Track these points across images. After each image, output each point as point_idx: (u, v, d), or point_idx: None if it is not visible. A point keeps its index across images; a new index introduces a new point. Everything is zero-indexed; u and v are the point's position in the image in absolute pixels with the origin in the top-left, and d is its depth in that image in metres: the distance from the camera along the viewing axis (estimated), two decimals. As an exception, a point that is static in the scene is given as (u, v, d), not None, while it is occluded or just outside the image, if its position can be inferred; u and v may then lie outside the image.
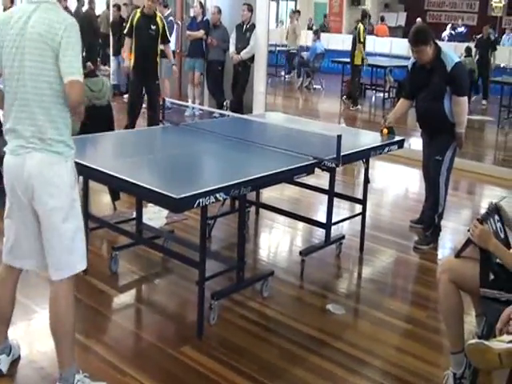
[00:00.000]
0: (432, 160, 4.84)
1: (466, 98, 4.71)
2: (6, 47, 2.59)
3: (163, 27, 7.42)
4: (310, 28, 17.26)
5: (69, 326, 2.74)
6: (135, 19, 7.37)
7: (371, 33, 15.38)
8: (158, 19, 7.36)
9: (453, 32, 15.75)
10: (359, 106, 11.52)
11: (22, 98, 2.58)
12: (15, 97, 2.60)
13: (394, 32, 17.62)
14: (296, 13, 15.67)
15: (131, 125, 7.32)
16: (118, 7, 11.41)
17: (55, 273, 2.68)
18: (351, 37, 11.63)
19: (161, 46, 7.53)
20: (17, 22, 2.58)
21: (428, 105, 4.77)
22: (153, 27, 7.31)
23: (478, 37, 12.85)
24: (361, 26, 11.20)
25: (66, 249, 2.66)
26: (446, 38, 15.43)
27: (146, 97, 7.66)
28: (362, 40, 11.15)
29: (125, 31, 7.59)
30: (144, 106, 7.78)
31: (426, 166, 5.06)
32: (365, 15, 11.52)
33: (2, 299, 2.91)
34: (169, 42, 7.71)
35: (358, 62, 11.26)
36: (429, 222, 4.95)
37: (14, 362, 3.04)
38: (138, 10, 7.42)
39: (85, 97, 4.73)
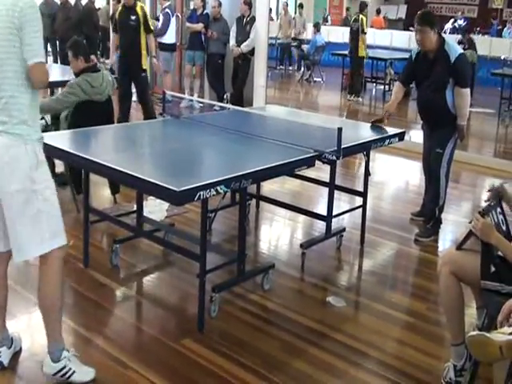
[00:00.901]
0: (433, 153, 4.83)
1: (468, 90, 4.68)
2: None
3: (144, 16, 7.29)
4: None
5: (54, 302, 2.82)
6: (117, 13, 7.39)
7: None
8: (137, 9, 7.26)
9: (456, 25, 15.70)
10: (360, 98, 11.51)
11: None
12: None
13: (394, 25, 17.59)
14: (298, 7, 15.60)
15: (123, 118, 7.27)
16: (117, 0, 11.35)
17: (17, 254, 2.71)
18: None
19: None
20: None
21: (430, 96, 4.76)
22: (133, 17, 7.24)
23: None
24: (363, 17, 11.17)
25: (27, 231, 2.65)
26: (448, 30, 15.38)
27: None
28: (365, 31, 11.15)
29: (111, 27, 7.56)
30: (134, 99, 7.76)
31: (426, 158, 5.05)
32: (364, 6, 11.48)
33: None
34: (150, 31, 7.48)
35: (362, 53, 11.26)
36: (429, 215, 4.95)
37: (16, 355, 3.05)
38: (121, 4, 7.40)
39: (85, 93, 4.78)
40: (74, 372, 2.86)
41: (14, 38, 2.52)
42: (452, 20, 16.22)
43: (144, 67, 7.44)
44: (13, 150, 2.59)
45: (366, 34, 11.22)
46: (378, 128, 4.78)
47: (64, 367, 2.84)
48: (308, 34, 15.10)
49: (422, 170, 5.27)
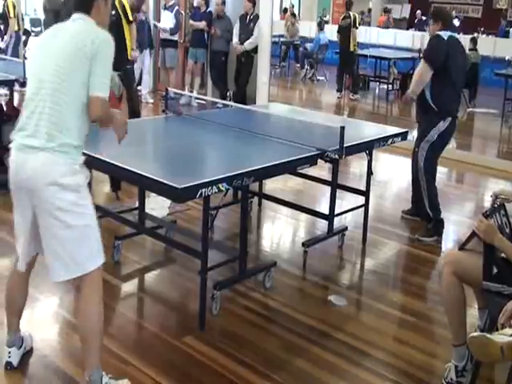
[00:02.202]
0: (415, 151, 4.89)
1: (426, 65, 4.61)
2: None
3: (123, 9, 7.25)
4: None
5: (94, 327, 2.68)
6: None
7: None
8: (116, 2, 7.23)
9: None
10: (358, 95, 11.49)
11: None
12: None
13: (398, 24, 17.55)
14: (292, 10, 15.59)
15: None
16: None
17: (54, 274, 2.65)
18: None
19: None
20: None
21: None
22: (113, 12, 7.20)
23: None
24: (354, 13, 11.44)
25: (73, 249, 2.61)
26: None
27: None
28: (357, 26, 11.37)
29: None
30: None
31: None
32: (351, 4, 11.65)
33: (15, 292, 2.91)
34: (129, 22, 7.39)
35: (353, 48, 11.37)
36: (426, 215, 4.94)
37: (26, 356, 3.02)
38: None
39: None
40: None
41: (82, 63, 2.58)
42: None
43: (130, 58, 7.38)
44: (61, 168, 2.55)
45: (357, 28, 11.45)
46: None
47: None
48: (311, 32, 15.10)
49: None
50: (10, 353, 2.92)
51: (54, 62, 2.59)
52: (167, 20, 9.85)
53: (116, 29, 7.21)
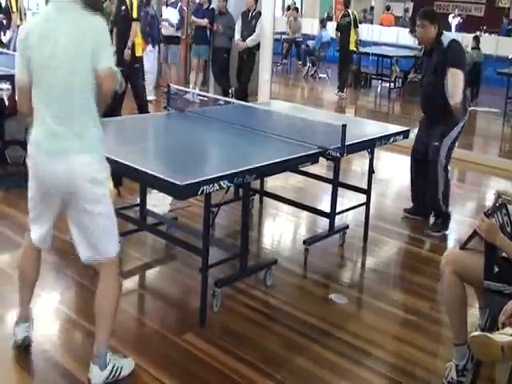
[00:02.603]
0: (430, 146, 4.88)
1: (460, 72, 4.73)
2: None
3: (131, 5, 7.26)
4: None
5: (109, 307, 2.81)
6: (114, 5, 7.38)
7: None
8: None
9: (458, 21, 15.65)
10: (344, 93, 11.45)
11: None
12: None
13: (400, 22, 17.51)
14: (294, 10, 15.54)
15: (114, 112, 7.16)
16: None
17: (93, 253, 2.75)
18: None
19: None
20: None
21: (430, 87, 4.88)
22: (122, 8, 7.22)
23: None
24: (353, 11, 11.42)
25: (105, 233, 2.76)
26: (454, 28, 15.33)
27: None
28: (358, 25, 11.29)
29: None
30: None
31: (418, 150, 5.11)
32: (349, 1, 11.59)
33: (29, 267, 3.00)
34: (134, 19, 7.29)
35: (353, 47, 11.33)
36: (437, 210, 4.99)
37: (27, 350, 3.04)
38: None
39: None
40: (122, 368, 2.86)
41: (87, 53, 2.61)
42: (452, 16, 16.19)
43: (138, 55, 7.36)
44: (95, 166, 2.67)
45: (358, 27, 11.37)
46: None
47: (112, 368, 2.82)
48: (312, 29, 15.08)
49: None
50: (27, 327, 3.04)
51: (63, 58, 2.59)
52: (171, 16, 9.86)
53: (125, 24, 7.25)
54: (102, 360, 2.79)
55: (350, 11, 11.37)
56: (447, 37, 4.86)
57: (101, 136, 2.72)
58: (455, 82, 4.74)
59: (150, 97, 9.34)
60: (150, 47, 9.54)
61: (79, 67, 2.59)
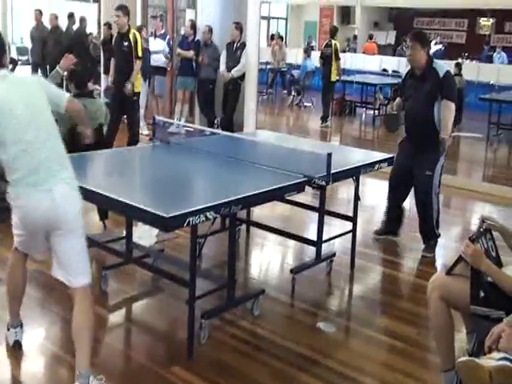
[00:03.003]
0: (422, 176, 4.91)
1: (454, 105, 4.83)
2: None
3: (135, 42, 7.43)
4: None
5: (90, 330, 2.95)
6: (113, 39, 7.56)
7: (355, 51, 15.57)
8: (130, 35, 7.41)
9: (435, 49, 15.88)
10: (328, 123, 11.50)
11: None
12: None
13: (383, 50, 17.75)
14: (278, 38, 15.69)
15: (108, 144, 7.22)
16: (108, 25, 11.44)
17: (74, 280, 2.93)
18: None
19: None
20: None
21: (419, 112, 4.91)
22: (125, 44, 7.38)
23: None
24: (335, 42, 11.30)
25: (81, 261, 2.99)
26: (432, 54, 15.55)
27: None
28: (339, 57, 11.26)
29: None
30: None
31: (399, 174, 5.17)
32: (335, 31, 11.62)
33: (17, 278, 3.24)
34: (138, 58, 7.53)
35: (334, 78, 11.31)
36: (430, 234, 5.08)
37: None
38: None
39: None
40: None
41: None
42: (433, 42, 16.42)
43: (136, 90, 7.52)
44: (78, 197, 2.94)
45: (339, 59, 11.27)
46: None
47: None
48: (296, 58, 15.22)
49: (411, 195, 5.27)
50: (16, 332, 3.30)
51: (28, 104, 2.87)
52: (159, 48, 9.99)
53: (126, 60, 7.40)
54: (85, 380, 2.84)
55: (333, 42, 11.37)
56: (441, 65, 4.90)
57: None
58: (449, 114, 4.81)
59: (145, 131, 9.38)
60: (141, 81, 9.62)
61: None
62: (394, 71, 13.35)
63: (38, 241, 3.02)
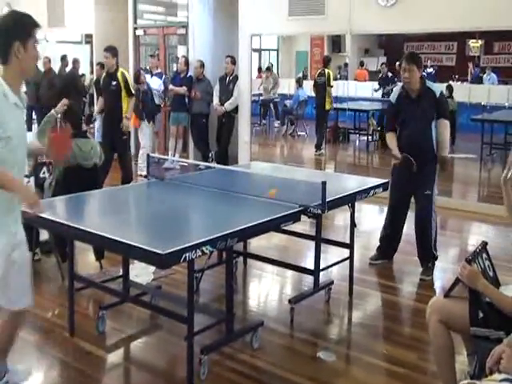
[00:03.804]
0: (422, 195, 4.98)
1: (447, 122, 4.97)
2: None
3: (125, 82, 7.50)
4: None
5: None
6: (101, 79, 7.65)
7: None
8: (118, 75, 7.49)
9: (424, 74, 16.03)
10: (323, 151, 11.54)
11: None
12: None
13: (375, 76, 17.89)
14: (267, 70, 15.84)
15: (97, 184, 7.21)
16: (101, 65, 11.56)
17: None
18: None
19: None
20: None
21: (419, 132, 4.96)
22: (113, 83, 7.47)
23: (380, 75, 13.23)
24: (329, 71, 11.42)
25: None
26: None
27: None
28: (331, 85, 11.36)
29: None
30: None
31: (401, 203, 5.20)
32: (329, 61, 11.75)
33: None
34: (131, 95, 7.63)
35: (328, 107, 11.40)
36: (429, 255, 5.10)
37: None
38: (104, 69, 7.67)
39: (73, 155, 4.82)
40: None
41: None
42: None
43: (127, 130, 7.59)
44: None
45: (332, 87, 11.40)
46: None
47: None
48: (288, 89, 15.34)
49: (408, 218, 5.28)
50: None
51: None
52: (156, 86, 10.07)
53: (115, 99, 7.48)
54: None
55: (326, 71, 11.41)
56: (433, 85, 5.03)
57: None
58: (447, 133, 4.96)
59: (144, 172, 9.40)
60: (145, 123, 9.69)
61: None
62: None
63: None
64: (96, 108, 8.29)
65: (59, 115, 5.11)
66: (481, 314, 2.85)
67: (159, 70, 10.43)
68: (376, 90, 13.63)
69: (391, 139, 5.15)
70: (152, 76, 10.35)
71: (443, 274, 5.20)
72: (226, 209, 4.02)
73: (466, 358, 3.31)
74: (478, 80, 15.71)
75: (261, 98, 14.69)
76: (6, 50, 2.74)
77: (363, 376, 3.56)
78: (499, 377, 2.40)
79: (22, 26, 2.76)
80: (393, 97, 5.19)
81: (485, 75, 15.53)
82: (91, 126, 12.79)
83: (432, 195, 4.96)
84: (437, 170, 5.02)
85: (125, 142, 7.65)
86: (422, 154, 4.93)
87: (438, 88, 5.02)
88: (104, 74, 7.73)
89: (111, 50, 7.51)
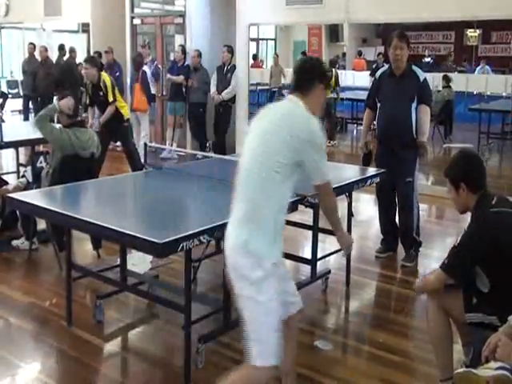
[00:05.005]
0: (402, 183, 5.02)
1: (429, 110, 5.00)
2: None
3: (110, 87, 7.43)
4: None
5: None
6: (89, 90, 7.57)
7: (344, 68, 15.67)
8: (101, 84, 7.43)
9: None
10: (336, 141, 11.58)
11: None
12: None
13: (372, 66, 17.86)
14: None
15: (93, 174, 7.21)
16: (99, 54, 11.52)
17: None
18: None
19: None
20: None
21: (397, 109, 4.97)
22: (100, 93, 7.44)
23: (375, 65, 13.21)
24: (335, 71, 11.39)
25: None
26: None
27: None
28: (339, 84, 11.38)
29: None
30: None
31: (387, 188, 5.15)
32: (335, 61, 11.76)
33: None
34: (110, 103, 7.47)
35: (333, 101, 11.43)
36: (411, 242, 5.12)
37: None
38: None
39: (72, 143, 4.81)
40: None
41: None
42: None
43: (126, 117, 7.58)
44: None
45: (339, 86, 11.48)
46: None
47: None
48: (288, 79, 15.29)
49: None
50: None
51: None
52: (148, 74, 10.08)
53: (106, 106, 7.46)
54: None
55: (333, 70, 11.37)
56: (418, 69, 5.04)
57: None
58: (428, 119, 4.96)
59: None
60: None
61: None
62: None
63: None
64: (90, 120, 8.23)
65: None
66: (474, 300, 2.89)
67: (150, 58, 10.42)
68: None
69: (366, 120, 5.39)
70: (145, 65, 10.34)
71: (438, 263, 5.19)
72: (223, 198, 3.98)
73: (461, 348, 3.34)
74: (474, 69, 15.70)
75: (258, 87, 14.65)
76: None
77: (359, 364, 3.58)
78: (495, 365, 2.42)
79: None
80: (377, 74, 5.29)
81: (478, 68, 15.47)
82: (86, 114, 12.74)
83: (413, 182, 4.98)
84: (416, 157, 5.02)
85: (126, 128, 7.64)
86: (400, 133, 4.94)
87: (423, 73, 5.04)
88: (90, 85, 7.55)
89: (91, 61, 7.48)
